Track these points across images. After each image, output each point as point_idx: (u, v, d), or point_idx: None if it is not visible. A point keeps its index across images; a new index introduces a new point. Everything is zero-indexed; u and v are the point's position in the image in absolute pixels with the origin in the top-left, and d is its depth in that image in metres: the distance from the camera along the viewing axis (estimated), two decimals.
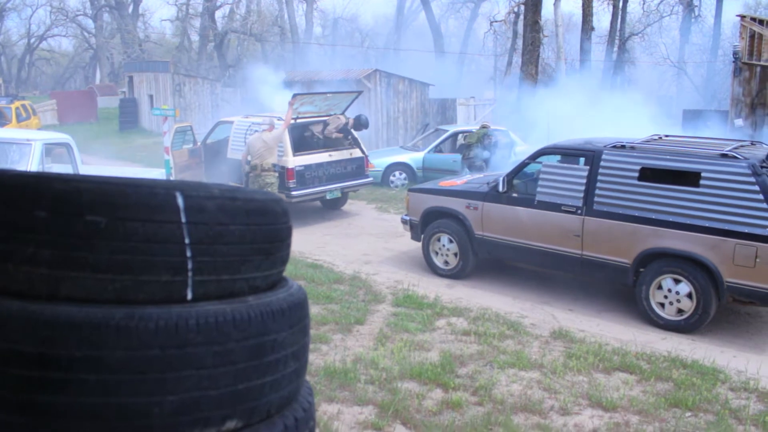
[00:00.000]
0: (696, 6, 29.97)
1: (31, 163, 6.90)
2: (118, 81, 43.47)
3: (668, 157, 6.51)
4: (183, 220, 1.27)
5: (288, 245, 1.53)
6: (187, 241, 1.28)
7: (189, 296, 1.31)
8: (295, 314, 1.44)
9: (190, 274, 1.30)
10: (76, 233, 1.24)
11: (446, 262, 8.11)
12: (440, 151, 14.81)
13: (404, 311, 6.69)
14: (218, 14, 39.69)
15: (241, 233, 1.35)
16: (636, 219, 6.52)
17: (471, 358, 5.52)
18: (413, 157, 14.83)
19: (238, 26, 37.70)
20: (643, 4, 31.28)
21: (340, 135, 11.38)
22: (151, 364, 1.25)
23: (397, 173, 14.69)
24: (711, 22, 29.89)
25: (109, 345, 1.23)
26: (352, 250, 9.40)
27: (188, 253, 1.28)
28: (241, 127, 11.77)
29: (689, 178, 6.29)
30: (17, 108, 22.13)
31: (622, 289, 7.12)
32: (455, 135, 15.12)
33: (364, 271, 8.26)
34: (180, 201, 1.27)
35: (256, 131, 10.93)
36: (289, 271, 7.81)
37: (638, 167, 6.56)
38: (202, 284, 1.32)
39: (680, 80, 26.65)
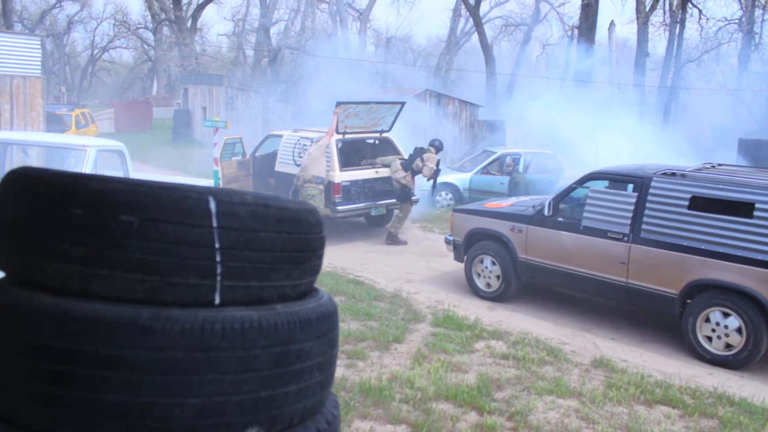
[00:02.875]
0: (756, 33, 29.29)
1: (85, 168, 7.10)
2: (173, 92, 44.57)
3: (721, 186, 6.33)
4: (214, 224, 1.28)
5: (320, 256, 1.53)
6: (217, 245, 1.29)
7: (217, 300, 1.31)
8: (323, 325, 1.43)
9: (218, 278, 1.30)
10: (109, 232, 1.26)
11: (488, 285, 8.02)
12: (487, 173, 14.73)
13: (443, 331, 6.63)
14: (273, 30, 40.48)
15: (271, 240, 1.35)
16: (684, 249, 6.34)
17: (508, 383, 5.42)
18: (460, 178, 14.78)
19: (292, 43, 38.33)
20: (701, 30, 30.70)
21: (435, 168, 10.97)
22: (174, 365, 1.26)
23: (443, 193, 14.63)
24: None
25: (134, 344, 1.24)
26: (394, 268, 9.38)
27: (218, 258, 1.29)
28: (290, 141, 11.90)
29: (742, 209, 6.10)
30: (77, 116, 22.89)
31: (667, 320, 6.92)
32: (503, 157, 15.02)
33: (405, 289, 8.23)
34: (212, 205, 1.28)
35: (305, 146, 11.05)
36: (330, 286, 7.86)
37: (689, 196, 6.40)
38: (230, 289, 1.32)
39: (737, 109, 26.02)
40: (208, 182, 10.25)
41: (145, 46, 55.65)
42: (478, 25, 30.76)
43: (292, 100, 25.54)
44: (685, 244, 6.34)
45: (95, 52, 59.05)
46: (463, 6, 36.27)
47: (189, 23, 36.95)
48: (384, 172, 11.35)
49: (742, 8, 30.30)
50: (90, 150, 7.32)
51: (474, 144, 18.97)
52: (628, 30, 43.58)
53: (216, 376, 1.27)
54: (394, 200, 11.24)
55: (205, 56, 43.51)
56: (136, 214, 1.25)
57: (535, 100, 15.85)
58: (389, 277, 8.86)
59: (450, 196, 14.60)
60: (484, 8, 37.41)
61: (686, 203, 6.39)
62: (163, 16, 40.03)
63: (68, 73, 60.59)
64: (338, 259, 9.71)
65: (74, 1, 52.39)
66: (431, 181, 11.18)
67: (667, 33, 30.69)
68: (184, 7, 39.12)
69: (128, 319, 1.25)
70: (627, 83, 25.11)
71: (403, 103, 12.14)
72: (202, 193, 1.28)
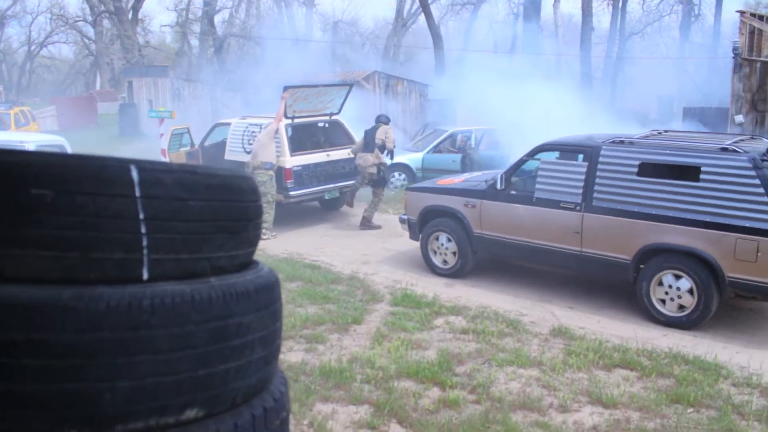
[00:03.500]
0: (696, 5, 29.92)
1: None
2: (118, 87, 43.47)
3: (667, 151, 6.42)
4: (137, 193, 1.18)
5: (257, 225, 1.43)
6: (141, 216, 1.19)
7: (145, 275, 1.22)
8: (263, 297, 1.35)
9: (145, 251, 1.21)
10: (20, 208, 1.15)
11: (445, 261, 8.02)
12: (439, 152, 14.72)
13: (402, 310, 6.61)
14: (218, 19, 39.76)
15: (201, 209, 1.25)
16: (636, 215, 6.43)
17: (469, 357, 5.43)
18: (412, 158, 14.73)
19: (237, 30, 37.70)
20: (643, 3, 31.29)
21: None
22: (101, 347, 1.16)
23: (396, 174, 14.58)
24: (711, 21, 29.87)
25: (55, 327, 1.14)
26: (351, 251, 9.32)
27: (143, 229, 1.20)
28: (239, 128, 11.70)
29: (689, 173, 6.20)
30: (16, 114, 22.16)
31: (622, 285, 7.02)
32: (454, 135, 15.02)
33: (363, 271, 8.18)
34: (134, 174, 1.18)
35: (254, 133, 10.87)
36: (286, 272, 7.77)
37: (637, 162, 6.47)
38: (159, 263, 1.23)
39: (681, 79, 26.55)
40: None
41: (86, 41, 54.04)
42: (425, 6, 30.63)
43: (240, 89, 25.13)
44: (635, 210, 6.42)
45: (32, 48, 57.17)
46: None
47: (130, 15, 35.99)
48: (335, 155, 11.25)
49: None
50: (28, 146, 7.06)
51: (425, 124, 18.94)
52: (573, 6, 43.97)
53: (148, 356, 1.18)
54: (348, 183, 11.14)
55: (149, 48, 42.53)
56: (49, 187, 1.15)
57: (483, 77, 15.85)
58: (346, 259, 8.79)
59: (403, 176, 14.55)
60: None
61: (635, 170, 6.47)
62: (102, 8, 38.91)
63: (5, 72, 58.59)
64: (294, 244, 9.62)
65: None
66: (389, 154, 11.09)
67: (611, 7, 31.19)
68: None
69: (47, 300, 1.15)
70: (573, 55, 25.40)
71: (351, 85, 12.03)
72: (123, 161, 1.18)
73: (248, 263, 1.42)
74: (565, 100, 13.75)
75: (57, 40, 57.70)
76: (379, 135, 10.77)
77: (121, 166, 1.18)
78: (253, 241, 1.42)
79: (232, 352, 1.27)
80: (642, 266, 6.48)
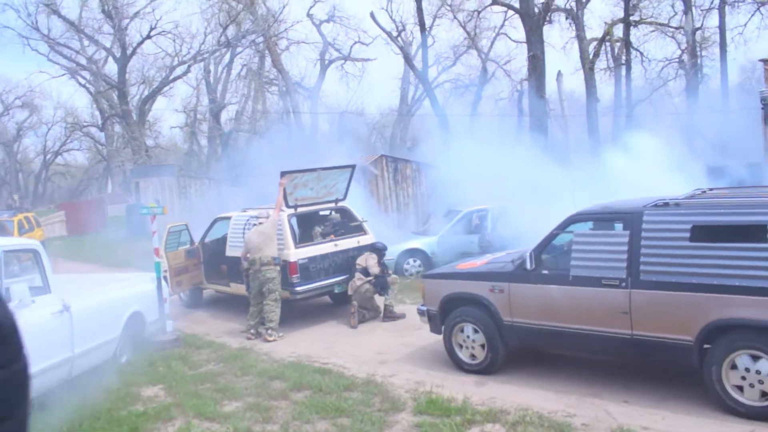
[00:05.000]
0: (700, 67, 29.91)
1: None
2: (128, 189, 43.52)
3: (723, 210, 5.52)
4: None
5: None
6: None
7: None
8: None
9: None
10: None
11: (473, 356, 7.02)
12: (455, 233, 13.83)
13: (428, 420, 5.58)
14: (225, 116, 40.07)
15: None
16: (694, 287, 5.44)
17: None
18: (426, 242, 13.86)
19: (244, 126, 37.83)
20: (645, 72, 31.40)
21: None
22: None
23: (410, 260, 13.68)
24: (717, 83, 29.83)
25: None
26: (365, 349, 8.32)
27: None
28: (239, 222, 10.96)
29: (754, 233, 5.27)
30: (20, 221, 21.69)
31: (686, 371, 5.94)
32: (469, 215, 14.17)
33: (380, 372, 7.17)
34: None
35: (254, 225, 10.07)
36: (293, 379, 6.75)
37: (689, 226, 5.56)
38: None
39: (692, 141, 25.96)
40: (150, 276, 9.14)
41: (98, 146, 54.74)
42: (429, 91, 30.57)
43: (246, 183, 24.76)
44: (694, 281, 5.44)
45: (48, 156, 58.02)
46: (411, 74, 36.35)
47: (136, 116, 36.15)
48: (344, 244, 10.42)
49: (680, 48, 31.42)
50: None
51: (436, 205, 18.21)
52: (575, 80, 44.06)
53: None
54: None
55: (159, 149, 42.77)
56: None
57: (490, 154, 15.15)
58: (360, 360, 7.79)
59: (418, 262, 13.62)
60: (432, 74, 37.57)
61: (687, 235, 5.55)
62: (112, 111, 39.28)
63: (21, 181, 59.31)
64: (302, 345, 8.65)
65: (23, 108, 51.73)
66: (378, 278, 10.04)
67: (613, 78, 31.31)
68: (132, 102, 38.42)
69: None
70: (580, 116, 24.96)
71: (353, 166, 11.26)
72: None
73: None
74: (578, 173, 13.02)
75: (71, 147, 58.68)
76: (360, 261, 10.11)
77: None
78: None
79: None
80: (708, 347, 5.45)
